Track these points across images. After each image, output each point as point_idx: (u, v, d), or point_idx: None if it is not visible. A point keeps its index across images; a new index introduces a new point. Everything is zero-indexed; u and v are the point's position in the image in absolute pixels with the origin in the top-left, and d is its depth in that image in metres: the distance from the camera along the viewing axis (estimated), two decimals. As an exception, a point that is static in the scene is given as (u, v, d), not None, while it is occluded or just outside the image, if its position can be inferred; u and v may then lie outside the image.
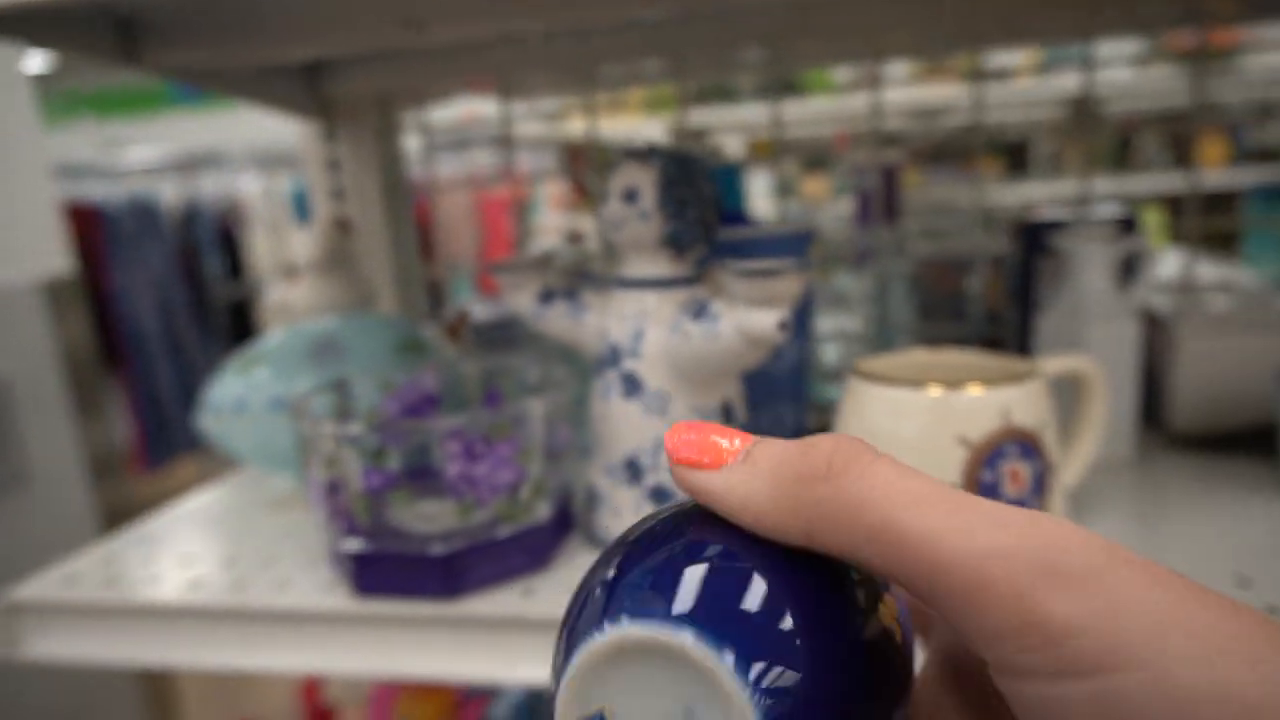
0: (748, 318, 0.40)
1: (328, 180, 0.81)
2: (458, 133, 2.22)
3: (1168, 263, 0.97)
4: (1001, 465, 0.37)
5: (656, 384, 0.45)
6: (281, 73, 0.74)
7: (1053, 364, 0.42)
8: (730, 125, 2.83)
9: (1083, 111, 2.74)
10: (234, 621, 0.45)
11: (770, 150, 2.92)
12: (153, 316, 2.14)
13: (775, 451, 0.17)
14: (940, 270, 0.78)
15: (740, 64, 0.95)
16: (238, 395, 0.58)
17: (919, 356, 0.45)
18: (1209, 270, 1.01)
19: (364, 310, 0.72)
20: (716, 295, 0.44)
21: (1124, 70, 2.42)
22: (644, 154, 0.46)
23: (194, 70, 0.63)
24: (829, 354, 0.79)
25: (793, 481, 0.16)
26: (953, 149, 3.07)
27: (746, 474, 0.17)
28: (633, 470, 0.46)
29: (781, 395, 0.56)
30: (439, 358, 0.61)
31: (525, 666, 0.42)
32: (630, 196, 0.45)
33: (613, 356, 0.47)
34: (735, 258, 0.52)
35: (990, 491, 0.37)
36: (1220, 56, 2.24)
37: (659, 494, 0.46)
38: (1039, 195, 2.53)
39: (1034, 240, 0.63)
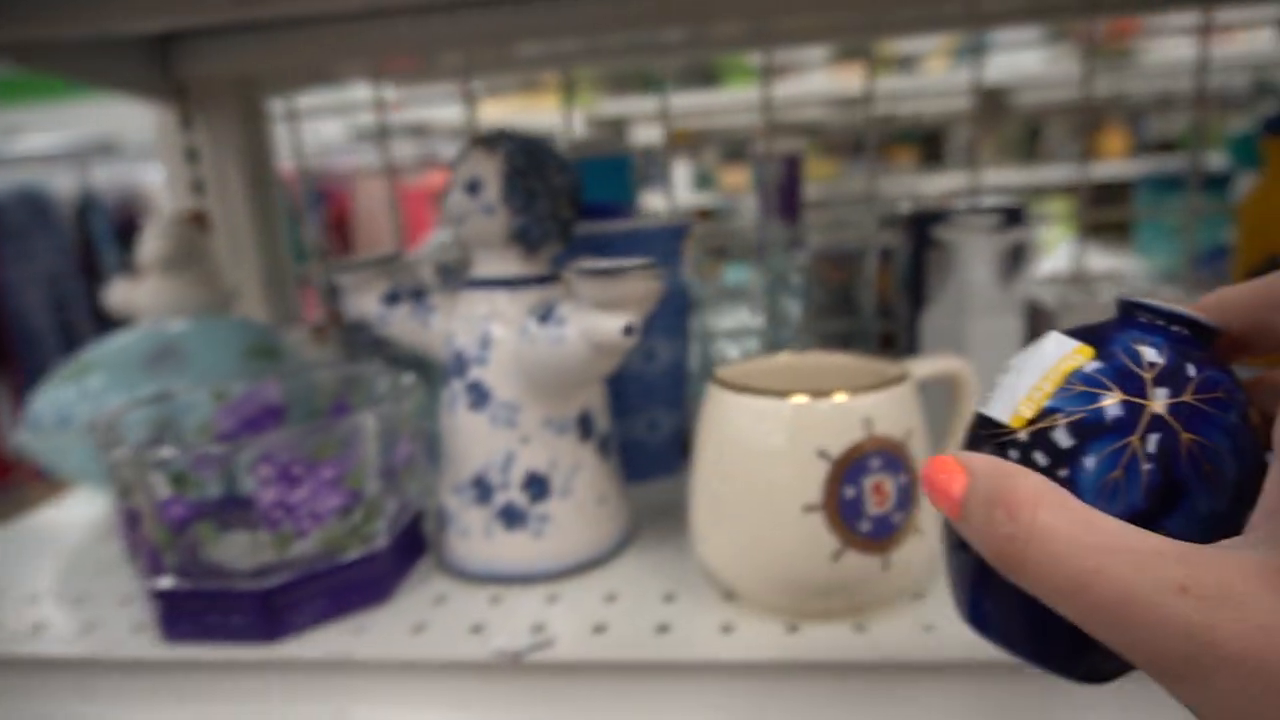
0: (593, 322, 0.37)
1: (186, 172, 0.75)
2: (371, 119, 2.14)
3: (1065, 255, 0.97)
4: (864, 479, 0.35)
5: (506, 394, 0.41)
6: (128, 50, 0.68)
7: (922, 366, 0.40)
8: (650, 114, 2.80)
9: (992, 102, 2.79)
10: (25, 671, 0.40)
11: (690, 140, 2.90)
12: (44, 313, 2.02)
13: None
14: (834, 264, 0.76)
15: (658, 46, 0.91)
16: (62, 407, 0.52)
17: (786, 361, 0.42)
18: (1102, 261, 1.01)
19: (218, 312, 0.66)
20: (569, 297, 0.40)
21: (1033, 60, 2.47)
22: (489, 141, 0.41)
23: (22, 48, 0.57)
24: (731, 352, 0.76)
25: None
26: (871, 140, 3.09)
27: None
28: (481, 489, 0.42)
29: (657, 399, 0.53)
30: (291, 365, 0.56)
31: (358, 713, 0.38)
32: (473, 188, 0.41)
33: (458, 364, 0.43)
34: (601, 254, 0.48)
35: (853, 508, 0.35)
36: (1118, 50, 2.29)
37: (510, 514, 0.42)
38: (955, 185, 2.57)
39: (922, 232, 0.61)
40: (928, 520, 0.37)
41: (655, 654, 0.36)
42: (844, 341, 0.72)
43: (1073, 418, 0.19)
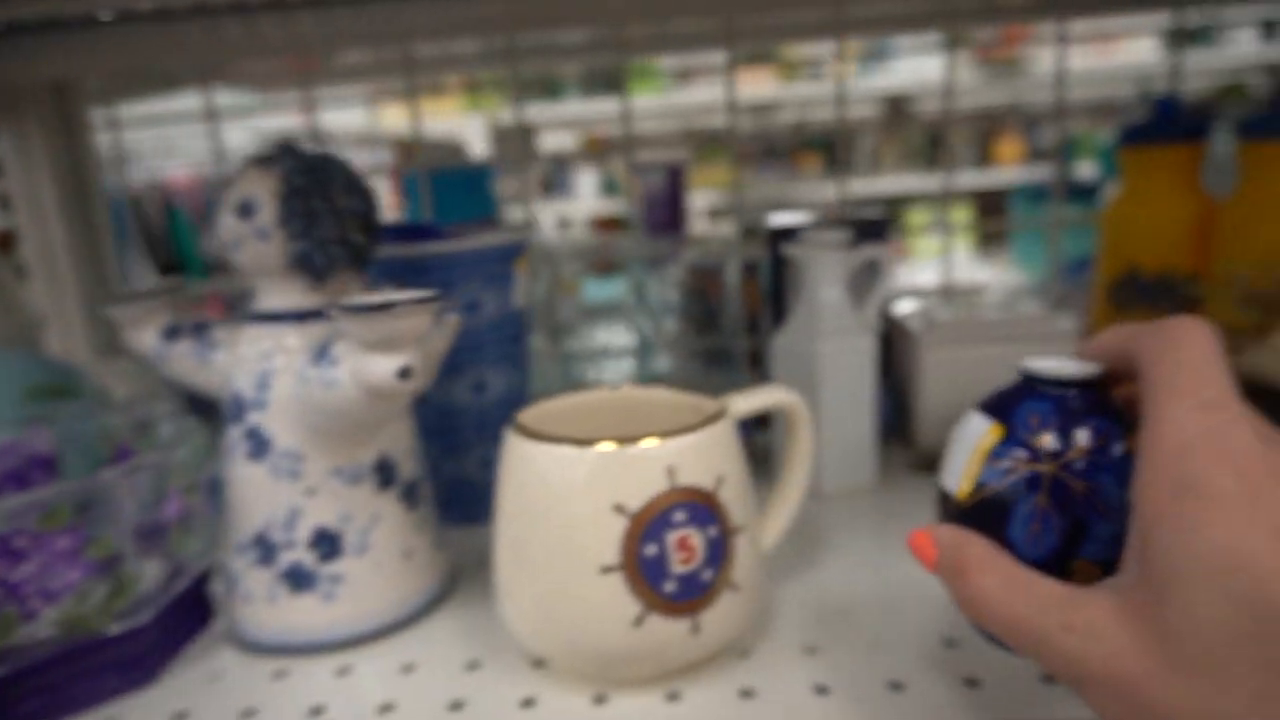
0: (363, 364, 0.32)
1: (-8, 185, 0.68)
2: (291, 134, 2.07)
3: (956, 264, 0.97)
4: (667, 535, 0.31)
5: (286, 441, 0.37)
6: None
7: (748, 400, 0.37)
8: (557, 121, 2.75)
9: (894, 109, 2.82)
10: None
11: (598, 147, 2.86)
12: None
13: None
14: (708, 278, 0.73)
15: (565, 49, 0.87)
16: None
17: (601, 398, 0.38)
18: (982, 272, 1.01)
19: (17, 344, 0.59)
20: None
21: (934, 67, 2.51)
22: (266, 158, 0.37)
23: None
24: (610, 373, 0.73)
25: None
26: (781, 147, 3.11)
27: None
28: (264, 548, 0.37)
29: (490, 434, 0.49)
30: (79, 408, 0.50)
31: (103, 819, 0.32)
32: (245, 210, 0.36)
33: (236, 408, 0.38)
34: (416, 279, 0.44)
35: (655, 567, 0.31)
36: (1007, 59, 2.34)
37: (296, 576, 0.37)
38: (861, 191, 2.59)
39: (780, 247, 0.58)
40: (745, 574, 0.33)
41: (450, 735, 0.32)
42: (715, 359, 0.69)
43: (996, 489, 0.26)
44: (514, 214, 2.90)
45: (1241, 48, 2.37)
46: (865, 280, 0.53)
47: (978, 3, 0.74)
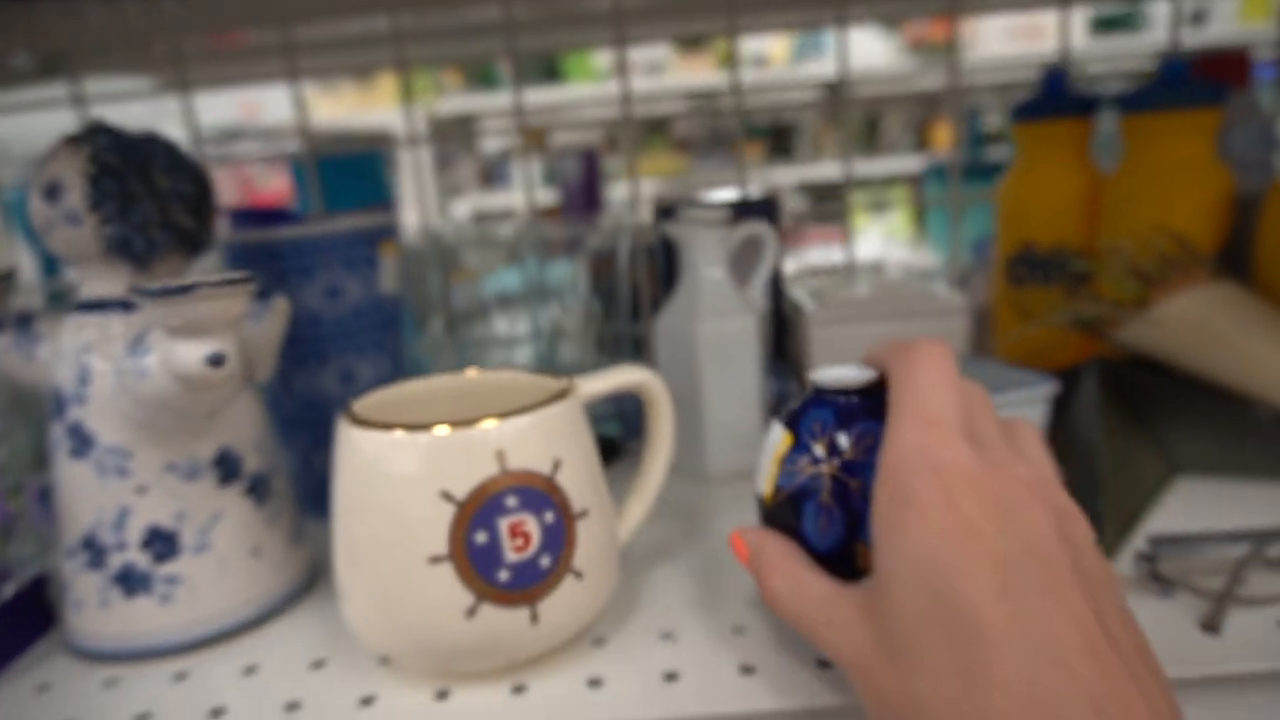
0: (170, 351, 0.30)
1: None
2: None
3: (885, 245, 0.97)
4: (498, 521, 0.30)
5: (111, 438, 0.35)
6: None
7: (602, 381, 0.35)
8: (494, 111, 2.72)
9: (833, 95, 2.83)
10: None
11: (537, 137, 2.83)
12: None
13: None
14: (604, 264, 0.71)
15: (483, 28, 0.84)
16: None
17: (447, 383, 0.37)
18: (901, 252, 1.01)
19: None
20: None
21: (875, 53, 2.52)
22: (75, 138, 0.35)
23: None
24: (519, 358, 0.71)
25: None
26: (723, 135, 3.11)
27: None
28: (93, 551, 0.35)
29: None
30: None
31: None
32: (52, 193, 0.34)
33: (57, 405, 0.35)
34: (269, 264, 0.42)
35: (487, 556, 0.30)
36: (944, 45, 2.36)
37: (129, 578, 0.35)
38: (804, 177, 2.60)
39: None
40: (591, 561, 0.32)
41: (275, 740, 0.30)
42: (615, 346, 0.68)
43: (789, 491, 0.30)
44: (458, 208, 2.84)
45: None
46: (750, 259, 0.52)
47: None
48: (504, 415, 0.30)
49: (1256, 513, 0.39)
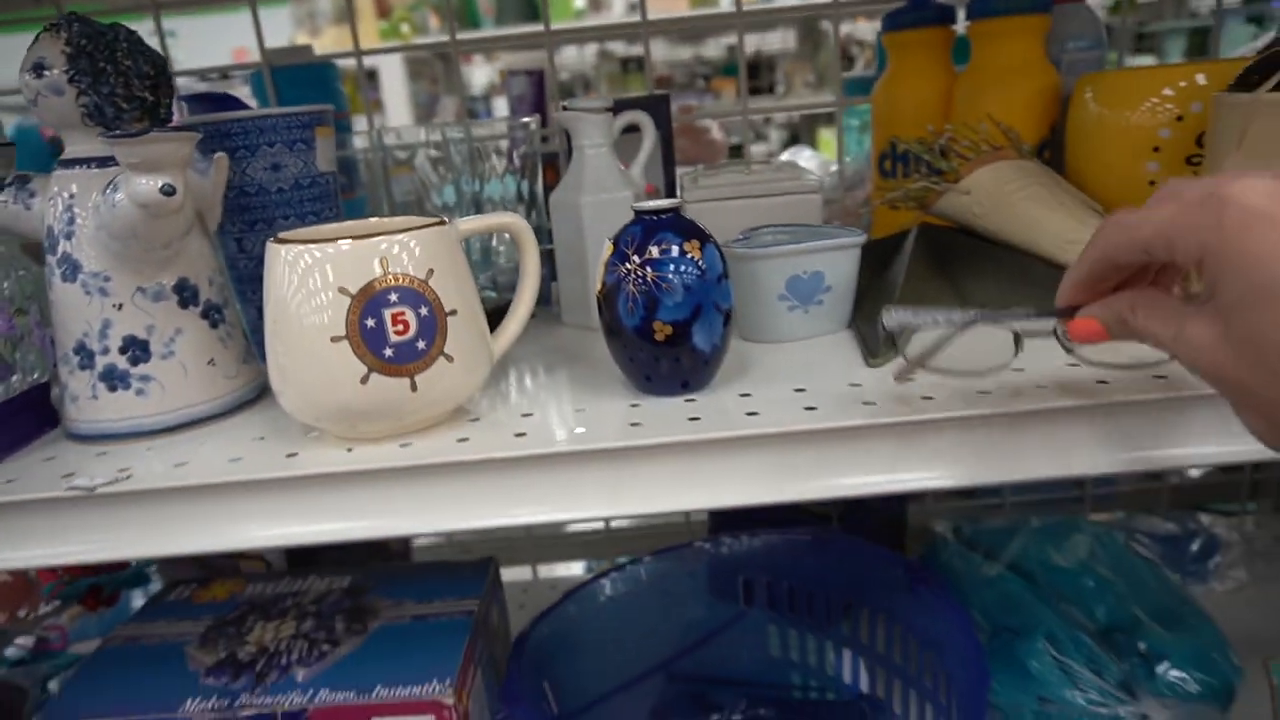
0: (133, 183, 0.40)
1: None
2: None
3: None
4: (384, 311, 0.40)
5: (94, 265, 0.45)
6: None
7: (476, 221, 0.45)
8: (480, 47, 2.77)
9: (808, 30, 2.88)
10: None
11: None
12: None
13: None
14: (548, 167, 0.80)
15: None
16: None
17: (362, 223, 0.46)
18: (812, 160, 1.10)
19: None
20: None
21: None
22: (55, 25, 0.44)
23: None
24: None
25: None
26: (702, 74, 3.16)
27: None
28: (84, 355, 0.45)
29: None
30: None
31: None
32: (38, 69, 0.43)
33: (51, 241, 0.45)
34: (222, 142, 0.51)
35: (375, 336, 0.40)
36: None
37: (111, 376, 0.45)
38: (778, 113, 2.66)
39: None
40: (461, 350, 0.42)
41: (225, 478, 0.41)
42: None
43: (609, 286, 0.43)
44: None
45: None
46: (632, 146, 0.62)
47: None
48: (388, 233, 0.40)
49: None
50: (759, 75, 3.06)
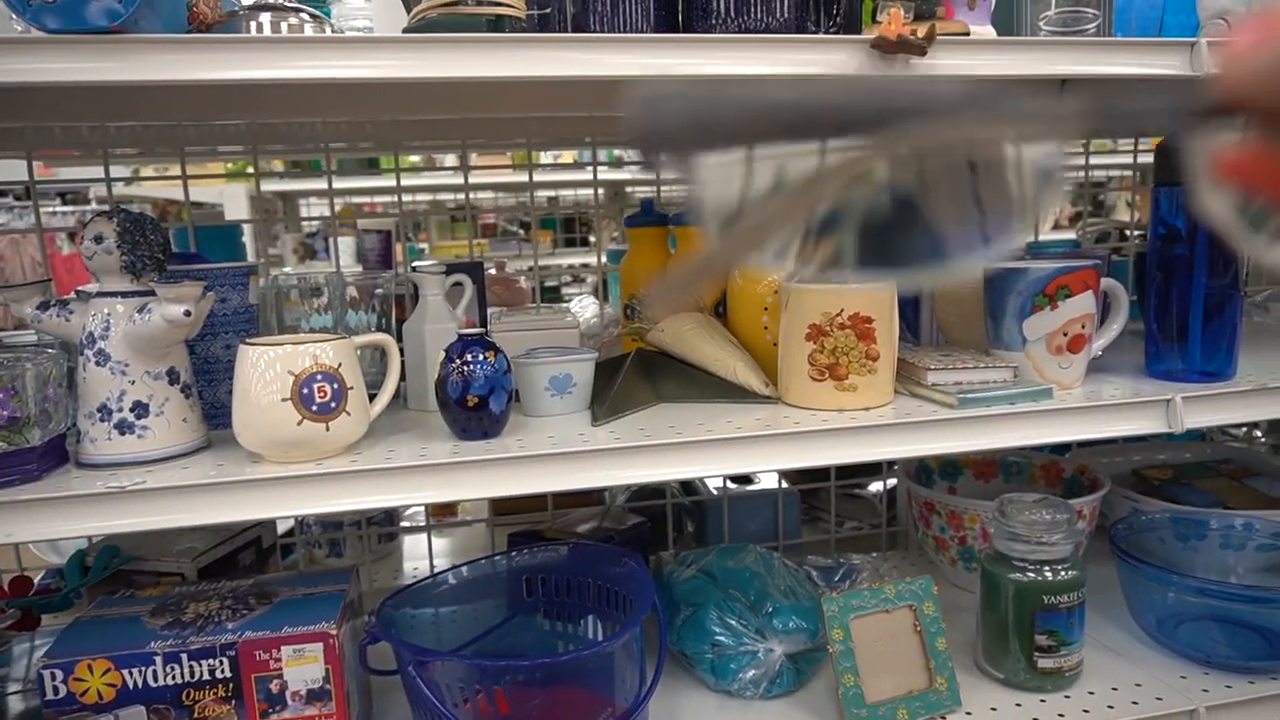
0: (166, 309, 0.70)
1: None
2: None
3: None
4: (314, 385, 0.71)
5: (119, 356, 0.73)
6: None
7: (362, 338, 0.77)
8: (314, 192, 3.07)
9: (614, 192, 3.39)
10: None
11: (350, 213, 3.20)
12: None
13: None
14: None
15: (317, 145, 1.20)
16: None
17: (299, 336, 0.77)
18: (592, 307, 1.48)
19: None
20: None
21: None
22: (108, 213, 0.74)
23: None
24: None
25: None
26: (519, 224, 3.60)
27: None
28: (104, 412, 0.73)
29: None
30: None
31: (21, 531, 0.66)
32: (98, 239, 0.73)
33: (90, 340, 0.73)
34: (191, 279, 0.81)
35: (308, 400, 0.70)
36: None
37: (123, 426, 0.73)
38: (591, 260, 3.09)
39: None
40: (355, 410, 0.73)
41: (202, 479, 0.69)
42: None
43: (441, 374, 0.76)
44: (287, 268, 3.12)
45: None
46: (457, 295, 0.96)
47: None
48: (315, 342, 0.72)
49: (689, 415, 0.86)
50: (573, 228, 3.54)
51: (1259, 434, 1.66)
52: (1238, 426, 1.69)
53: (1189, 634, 0.96)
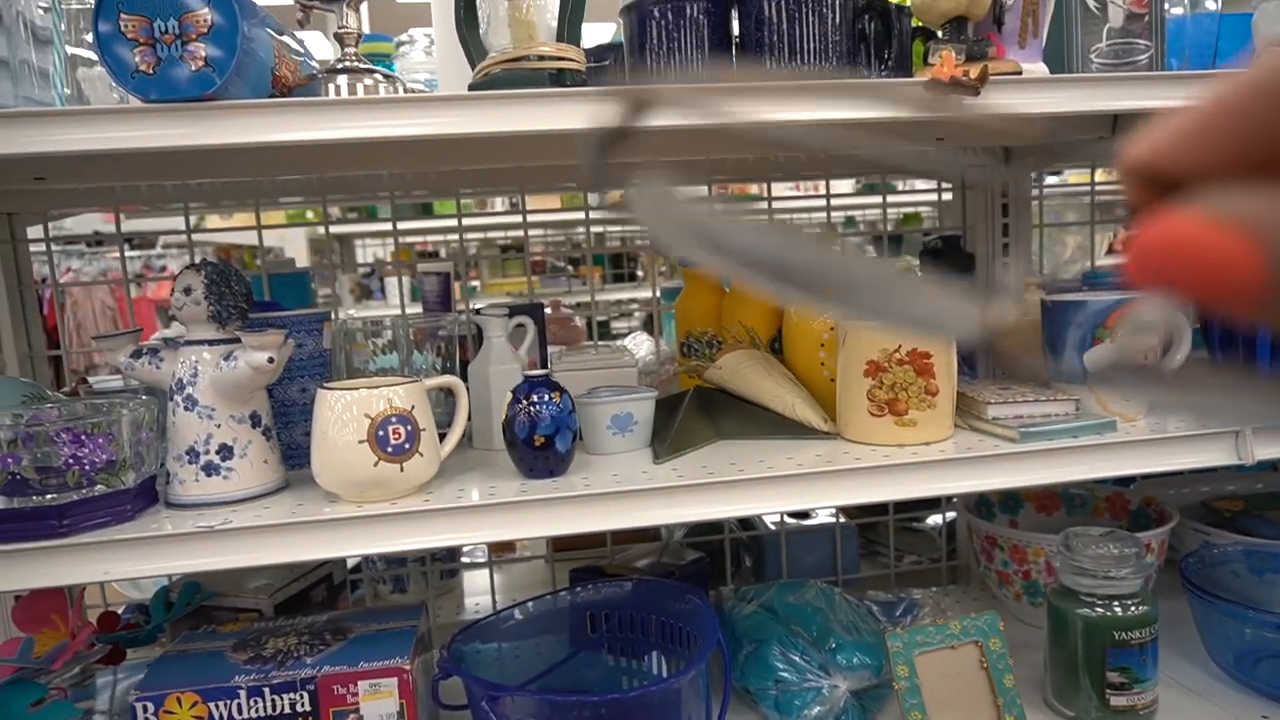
0: (251, 355, 0.73)
1: (-42, 281, 1.02)
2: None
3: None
4: (388, 427, 0.74)
5: (206, 401, 0.77)
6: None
7: (434, 380, 0.80)
8: (370, 233, 3.16)
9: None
10: (-104, 570, 0.68)
11: (408, 255, 3.29)
12: None
13: None
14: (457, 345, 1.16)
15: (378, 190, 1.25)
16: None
17: (372, 380, 0.81)
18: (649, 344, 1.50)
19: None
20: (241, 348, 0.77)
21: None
22: (195, 265, 0.78)
23: None
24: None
25: None
26: (571, 260, 3.66)
27: None
28: (192, 454, 0.76)
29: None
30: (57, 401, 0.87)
31: (120, 569, 0.70)
32: (188, 291, 0.77)
33: (179, 386, 0.77)
34: (271, 326, 0.85)
35: (383, 441, 0.73)
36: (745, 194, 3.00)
37: (209, 468, 0.76)
38: (640, 295, 3.14)
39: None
40: (428, 450, 0.76)
41: (286, 520, 0.72)
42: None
43: (508, 415, 0.81)
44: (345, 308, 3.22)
45: (917, 192, 3.16)
46: (520, 336, 0.99)
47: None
48: (389, 385, 0.75)
49: (748, 452, 0.87)
50: (621, 264, 3.58)
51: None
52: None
53: (1269, 671, 0.93)
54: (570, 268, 3.46)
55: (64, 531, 0.69)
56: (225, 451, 0.77)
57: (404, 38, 1.21)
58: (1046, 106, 0.77)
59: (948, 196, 1.33)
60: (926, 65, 0.78)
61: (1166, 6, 1.00)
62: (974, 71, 0.74)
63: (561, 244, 3.70)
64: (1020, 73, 0.78)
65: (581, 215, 1.33)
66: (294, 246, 3.11)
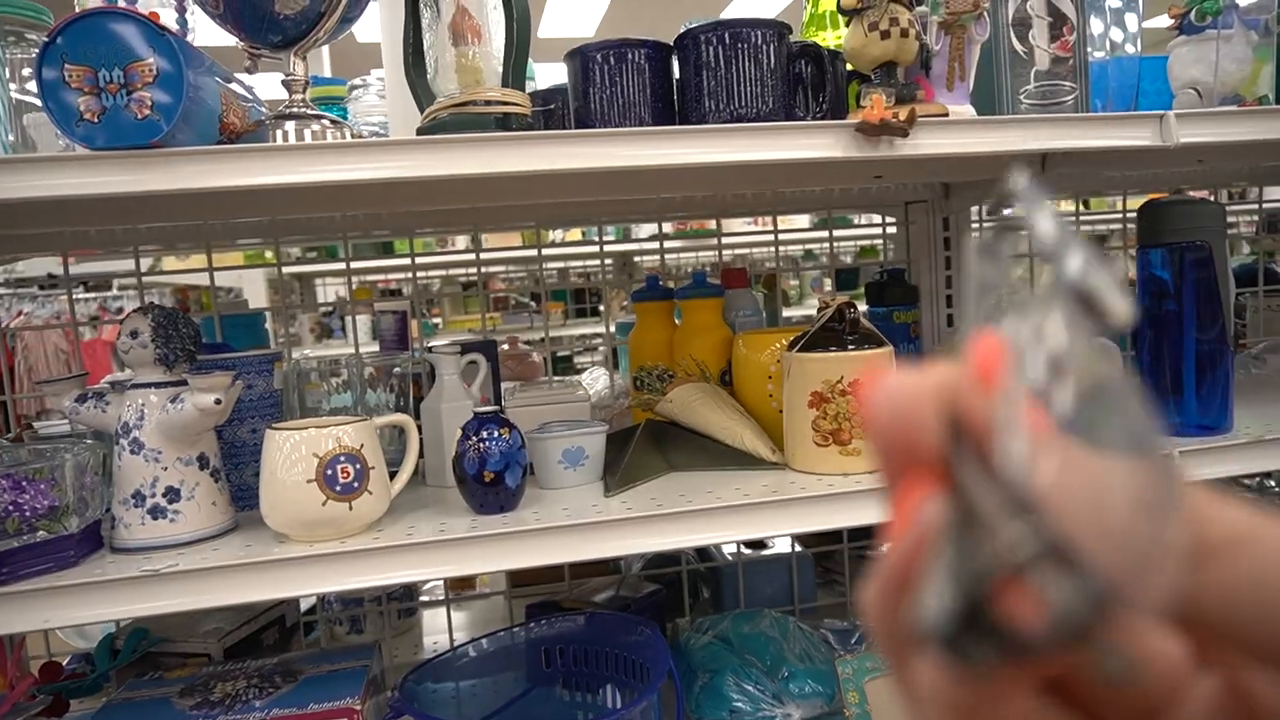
0: (198, 397, 0.74)
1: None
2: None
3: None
4: (337, 466, 0.74)
5: (153, 444, 0.76)
6: None
7: (384, 418, 0.81)
8: (330, 273, 3.15)
9: (623, 263, 3.47)
10: None
11: (368, 294, 3.28)
12: None
13: None
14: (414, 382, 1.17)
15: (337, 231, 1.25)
16: None
17: (328, 419, 0.81)
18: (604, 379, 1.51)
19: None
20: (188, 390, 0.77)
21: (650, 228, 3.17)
22: (142, 309, 0.78)
23: None
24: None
25: None
26: (533, 296, 3.67)
27: None
28: (138, 498, 0.76)
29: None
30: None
31: (59, 616, 0.69)
32: (134, 334, 0.77)
33: (125, 429, 0.77)
34: (220, 368, 0.85)
35: (332, 480, 0.74)
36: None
37: (156, 511, 0.76)
38: (602, 330, 3.15)
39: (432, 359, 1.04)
40: (377, 489, 0.77)
41: (232, 560, 0.72)
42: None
43: (458, 451, 0.82)
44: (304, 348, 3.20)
45: (874, 225, 3.22)
46: (472, 373, 1.00)
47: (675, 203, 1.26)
48: (338, 424, 0.75)
49: (698, 483, 0.89)
50: (584, 298, 3.61)
51: (1272, 483, 1.66)
52: (1251, 476, 1.69)
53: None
54: (533, 303, 3.47)
55: (2, 580, 0.68)
56: (172, 494, 0.77)
57: (358, 81, 1.22)
58: (972, 147, 0.80)
59: (892, 230, 1.37)
60: (859, 108, 0.82)
61: (1090, 50, 1.05)
62: (903, 114, 0.77)
63: (524, 279, 3.71)
64: (947, 114, 0.82)
65: (539, 253, 1.35)
66: (252, 287, 3.09)
